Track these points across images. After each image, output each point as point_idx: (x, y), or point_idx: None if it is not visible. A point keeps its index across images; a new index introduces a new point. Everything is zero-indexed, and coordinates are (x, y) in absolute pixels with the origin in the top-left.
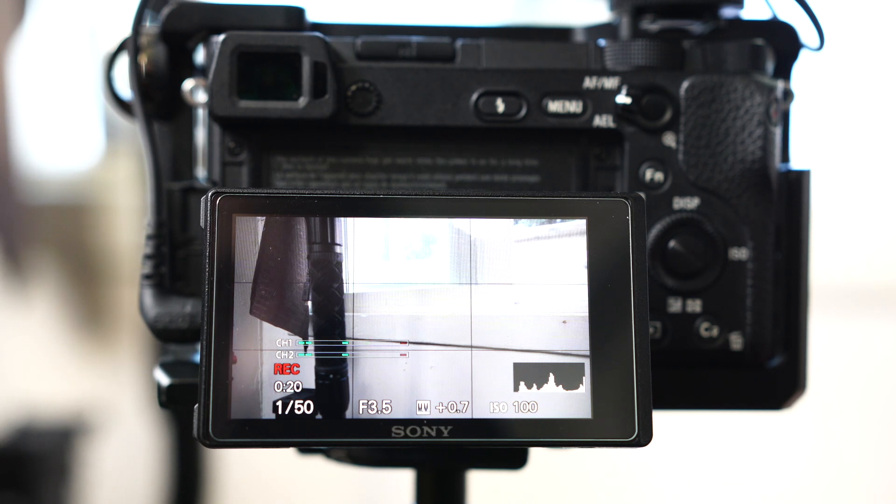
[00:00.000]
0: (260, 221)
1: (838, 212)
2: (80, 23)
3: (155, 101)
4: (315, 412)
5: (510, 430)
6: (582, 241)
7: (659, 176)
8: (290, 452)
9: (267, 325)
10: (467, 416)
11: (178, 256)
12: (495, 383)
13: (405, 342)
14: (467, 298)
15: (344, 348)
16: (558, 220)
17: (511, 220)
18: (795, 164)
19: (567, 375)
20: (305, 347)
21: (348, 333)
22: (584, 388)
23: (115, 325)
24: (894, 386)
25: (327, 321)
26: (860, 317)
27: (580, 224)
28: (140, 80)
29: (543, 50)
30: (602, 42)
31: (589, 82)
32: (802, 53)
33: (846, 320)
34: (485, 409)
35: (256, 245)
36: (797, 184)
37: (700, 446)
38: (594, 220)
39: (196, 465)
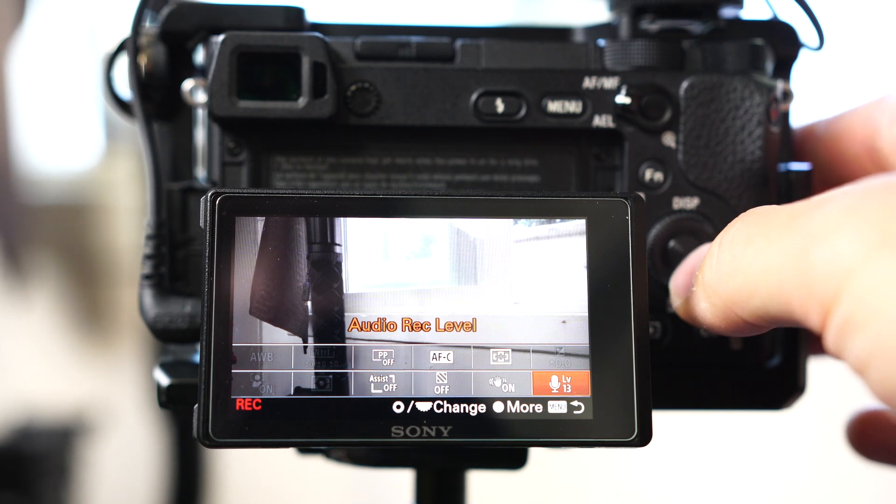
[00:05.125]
0: (260, 222)
1: None
2: (80, 23)
3: (154, 101)
4: (315, 412)
5: (510, 429)
6: (581, 241)
7: (658, 176)
8: (290, 452)
9: (267, 325)
10: (467, 415)
11: (177, 256)
12: (495, 383)
13: (405, 342)
14: (467, 298)
15: (344, 348)
16: (558, 220)
17: (510, 220)
18: (795, 164)
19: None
20: (305, 348)
21: (348, 334)
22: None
23: (115, 325)
24: None
25: (327, 321)
26: None
27: (580, 224)
28: (140, 80)
29: (543, 50)
30: (602, 42)
31: (588, 82)
32: (802, 53)
33: None
34: (484, 409)
35: (256, 245)
36: (797, 184)
37: (700, 446)
38: (594, 220)
39: (196, 465)
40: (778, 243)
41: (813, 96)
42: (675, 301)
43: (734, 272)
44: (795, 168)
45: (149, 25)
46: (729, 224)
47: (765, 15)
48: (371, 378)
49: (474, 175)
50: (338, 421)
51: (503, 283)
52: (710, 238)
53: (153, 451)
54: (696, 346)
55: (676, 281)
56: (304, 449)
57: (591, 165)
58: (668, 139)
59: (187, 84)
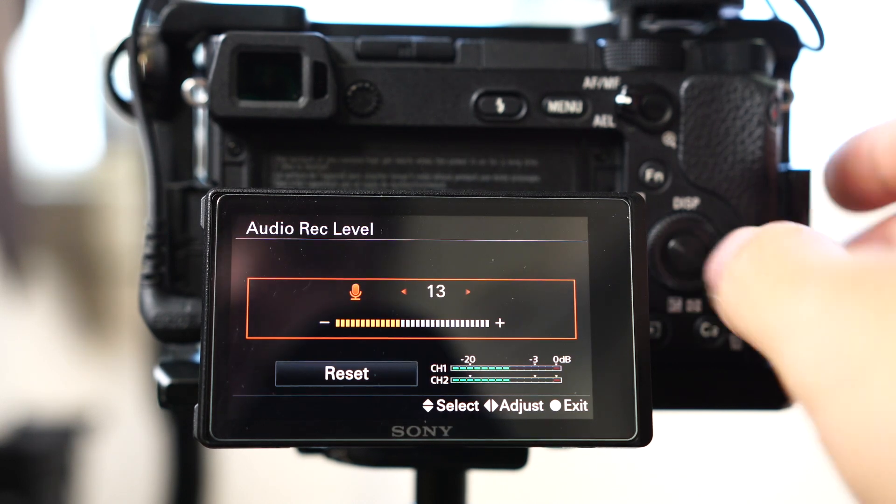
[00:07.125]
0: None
1: (838, 212)
2: (80, 23)
3: (155, 101)
4: (315, 412)
5: (510, 429)
6: (582, 241)
7: (659, 176)
8: (290, 452)
9: None
10: (467, 415)
11: (178, 256)
12: (495, 383)
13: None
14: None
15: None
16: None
17: (511, 220)
18: (796, 164)
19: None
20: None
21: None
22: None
23: (115, 325)
24: None
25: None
26: None
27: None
28: (140, 80)
29: (543, 50)
30: (602, 42)
31: (589, 82)
32: (802, 53)
33: None
34: (485, 409)
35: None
36: (797, 184)
37: (700, 446)
38: (594, 220)
39: (196, 465)
40: (769, 311)
41: (813, 96)
42: (708, 291)
43: (737, 307)
44: (795, 168)
45: (149, 25)
46: (738, 250)
47: (765, 15)
48: (371, 378)
49: (474, 175)
50: (338, 421)
51: (503, 283)
52: (711, 239)
53: (153, 451)
54: (696, 346)
55: (708, 274)
56: (304, 449)
57: (591, 165)
58: (669, 139)
59: (187, 84)
